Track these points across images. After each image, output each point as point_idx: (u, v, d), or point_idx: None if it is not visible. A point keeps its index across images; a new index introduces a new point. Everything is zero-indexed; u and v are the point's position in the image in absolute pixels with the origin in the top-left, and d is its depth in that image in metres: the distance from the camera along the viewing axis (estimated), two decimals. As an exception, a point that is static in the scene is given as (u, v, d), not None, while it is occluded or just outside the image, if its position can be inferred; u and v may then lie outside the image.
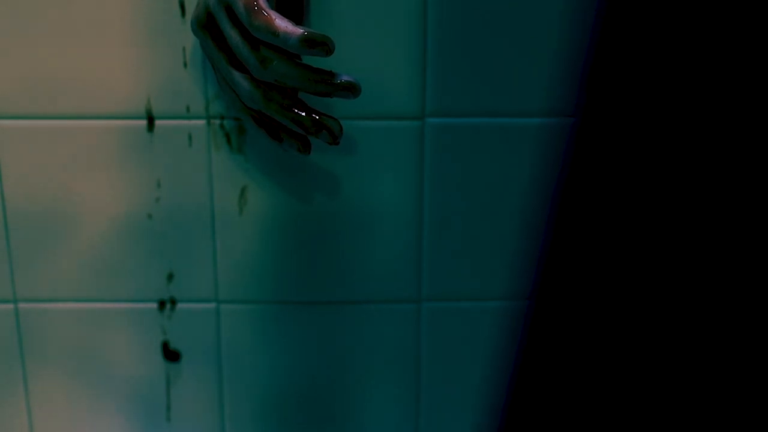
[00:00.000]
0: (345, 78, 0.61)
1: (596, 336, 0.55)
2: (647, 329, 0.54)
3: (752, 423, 0.54)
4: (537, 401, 0.57)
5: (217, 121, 0.71)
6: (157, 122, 0.71)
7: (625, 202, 0.53)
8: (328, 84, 0.61)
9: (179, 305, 0.75)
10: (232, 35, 0.62)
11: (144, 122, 0.71)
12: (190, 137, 0.71)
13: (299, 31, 0.59)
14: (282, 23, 0.59)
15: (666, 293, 0.53)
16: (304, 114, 0.62)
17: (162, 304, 0.75)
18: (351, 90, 0.61)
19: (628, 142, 0.52)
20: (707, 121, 0.50)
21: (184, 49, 0.69)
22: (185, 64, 0.69)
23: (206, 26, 0.64)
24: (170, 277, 0.74)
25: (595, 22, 0.68)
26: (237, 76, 0.63)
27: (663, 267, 0.53)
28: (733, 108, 0.50)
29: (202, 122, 0.71)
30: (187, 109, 0.70)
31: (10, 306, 0.75)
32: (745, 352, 0.53)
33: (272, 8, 0.63)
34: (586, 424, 0.56)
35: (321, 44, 0.59)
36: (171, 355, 0.76)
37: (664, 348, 0.54)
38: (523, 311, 0.76)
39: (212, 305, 0.75)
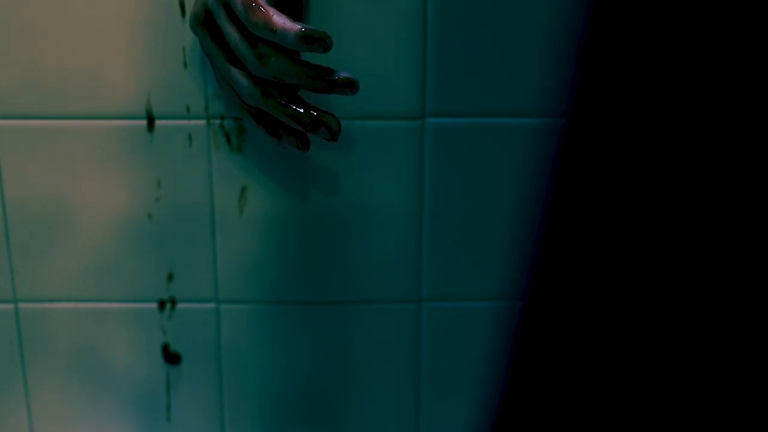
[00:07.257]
0: (343, 74, 0.61)
1: (587, 334, 0.55)
2: (638, 327, 0.54)
3: (740, 422, 0.53)
4: (530, 400, 0.57)
5: (217, 121, 0.71)
6: (157, 122, 0.71)
7: (615, 201, 0.53)
8: (326, 80, 0.61)
9: (179, 305, 0.75)
10: (231, 32, 0.62)
11: (144, 122, 0.71)
12: (190, 137, 0.71)
13: (297, 27, 0.59)
14: (280, 20, 0.60)
15: (657, 292, 0.53)
16: (302, 110, 0.62)
17: (162, 304, 0.75)
18: (349, 86, 0.61)
19: (618, 142, 0.52)
20: (696, 120, 0.50)
21: (183, 48, 0.69)
22: (185, 64, 0.70)
23: (205, 23, 0.64)
24: (170, 277, 0.74)
25: (584, 25, 0.68)
26: (235, 73, 0.63)
27: (654, 265, 0.53)
28: (721, 107, 0.50)
29: (202, 122, 0.71)
30: (187, 109, 0.71)
31: (10, 306, 0.75)
32: (733, 352, 0.53)
33: (271, 5, 0.63)
34: (578, 421, 0.56)
35: (319, 40, 0.59)
36: (171, 357, 0.76)
37: (656, 345, 0.54)
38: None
39: (212, 305, 0.75)
